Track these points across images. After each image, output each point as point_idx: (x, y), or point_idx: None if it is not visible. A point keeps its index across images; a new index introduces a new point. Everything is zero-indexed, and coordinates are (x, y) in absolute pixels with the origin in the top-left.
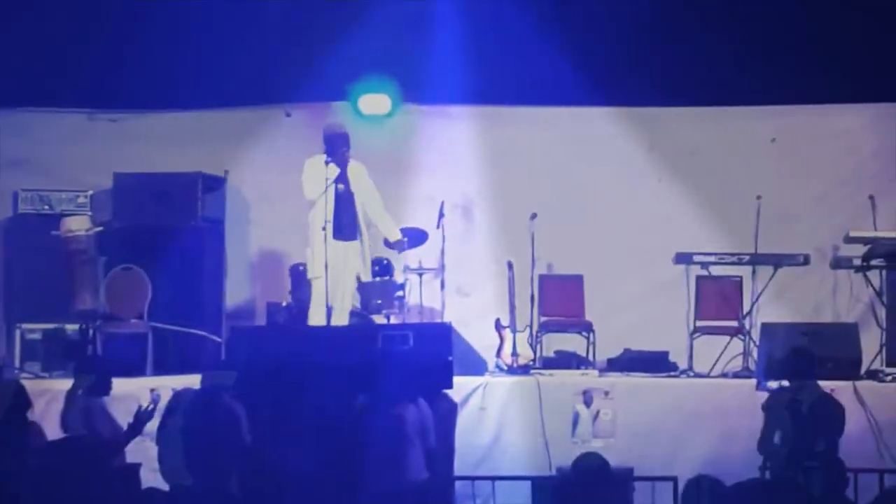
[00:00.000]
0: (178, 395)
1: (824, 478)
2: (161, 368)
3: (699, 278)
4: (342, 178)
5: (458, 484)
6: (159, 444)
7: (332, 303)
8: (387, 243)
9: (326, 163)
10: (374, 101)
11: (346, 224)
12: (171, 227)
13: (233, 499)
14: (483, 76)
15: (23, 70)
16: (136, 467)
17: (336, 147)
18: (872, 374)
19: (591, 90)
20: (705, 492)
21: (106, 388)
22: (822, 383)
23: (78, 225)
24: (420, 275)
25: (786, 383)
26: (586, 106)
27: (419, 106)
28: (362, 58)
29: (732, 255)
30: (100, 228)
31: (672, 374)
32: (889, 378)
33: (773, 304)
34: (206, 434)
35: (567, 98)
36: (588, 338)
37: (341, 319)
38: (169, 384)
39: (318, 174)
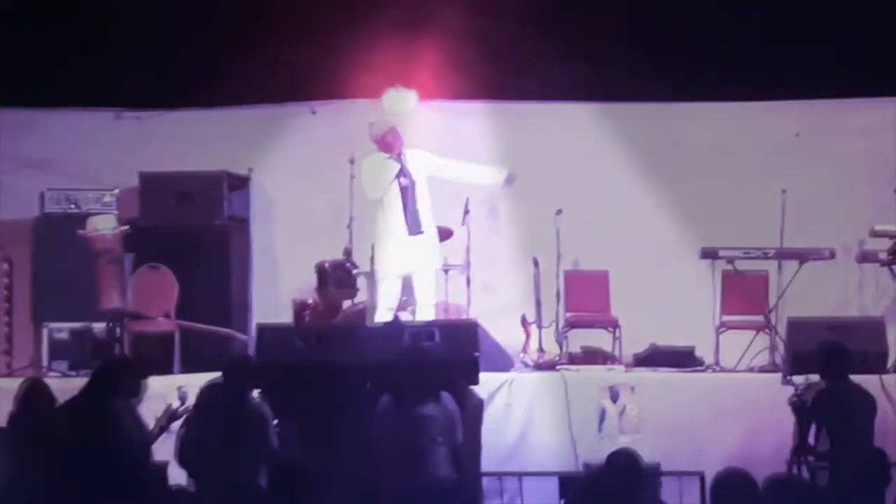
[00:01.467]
0: (206, 390)
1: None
2: (188, 367)
3: (725, 273)
4: (402, 171)
5: (484, 480)
6: (182, 440)
7: (416, 298)
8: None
9: (388, 157)
10: (399, 98)
11: (413, 218)
12: (196, 225)
13: (256, 497)
14: (508, 72)
15: (48, 70)
16: (163, 465)
17: (390, 146)
18: None
19: (615, 86)
20: (735, 485)
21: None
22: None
23: (104, 224)
24: (446, 271)
25: (813, 378)
26: (611, 102)
27: (444, 102)
28: (387, 55)
29: (758, 249)
30: (126, 227)
31: (698, 369)
32: None
33: (799, 298)
34: (231, 434)
35: (592, 94)
36: (614, 333)
37: (428, 314)
38: (196, 382)
39: (379, 172)
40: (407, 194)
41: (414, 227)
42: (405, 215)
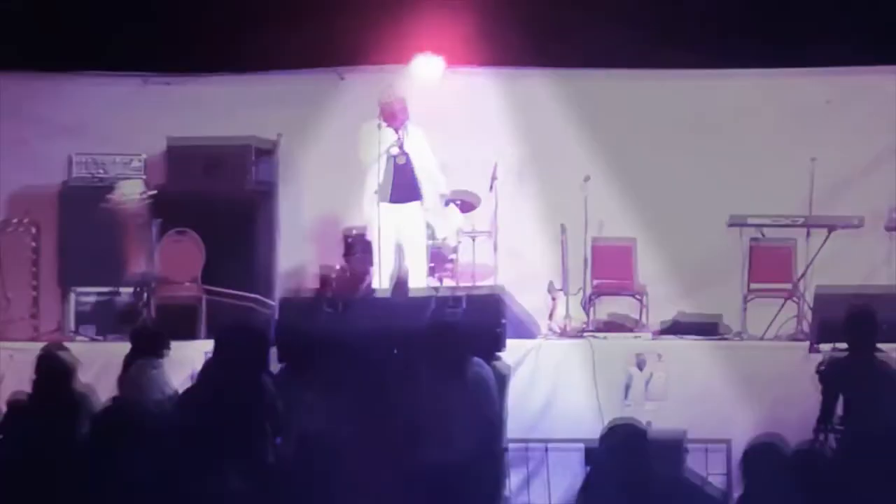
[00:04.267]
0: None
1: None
2: (214, 332)
3: (753, 241)
4: (400, 144)
5: (510, 448)
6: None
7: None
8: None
9: (379, 126)
10: (426, 65)
11: (403, 187)
12: (224, 191)
13: (273, 468)
14: (538, 38)
15: (76, 35)
16: None
17: (393, 115)
18: None
19: (644, 53)
20: (767, 451)
21: (162, 351)
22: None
23: (132, 189)
24: (473, 238)
25: (841, 346)
26: (639, 69)
27: (472, 68)
28: (415, 20)
29: (786, 217)
30: (154, 193)
31: (725, 337)
32: None
33: (827, 266)
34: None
35: (620, 61)
36: (641, 301)
37: (417, 281)
38: None
39: (372, 139)
40: (398, 167)
41: (403, 196)
42: (393, 186)
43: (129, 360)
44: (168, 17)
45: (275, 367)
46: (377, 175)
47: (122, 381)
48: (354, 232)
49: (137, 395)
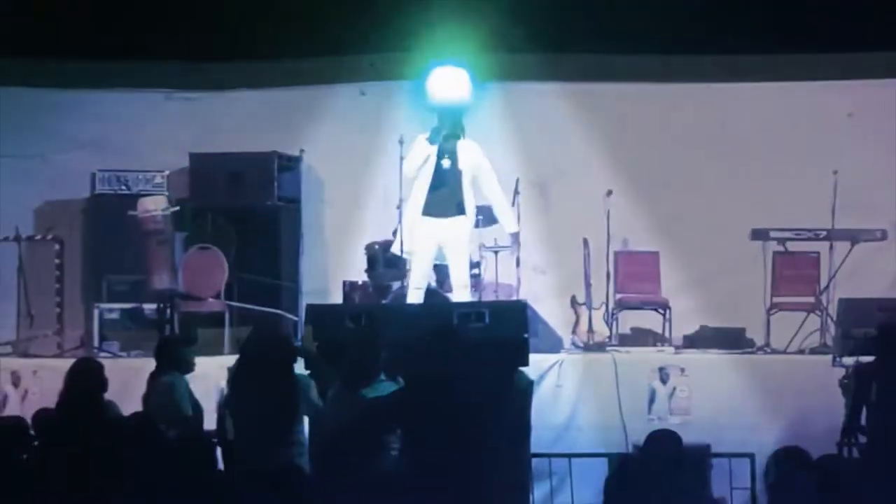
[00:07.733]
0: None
1: None
2: (239, 348)
3: (776, 254)
4: (449, 154)
5: (534, 461)
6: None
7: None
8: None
9: (430, 141)
10: (450, 79)
11: (444, 201)
12: (247, 206)
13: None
14: (556, 53)
15: (99, 50)
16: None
17: (443, 122)
18: None
19: (663, 67)
20: (790, 470)
21: (186, 368)
22: None
23: (155, 205)
24: (495, 252)
25: (864, 359)
26: (659, 82)
27: (495, 83)
28: (438, 35)
29: (809, 230)
30: (176, 208)
31: (749, 350)
32: None
33: (850, 279)
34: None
35: (640, 75)
36: (664, 314)
37: (461, 296)
38: None
39: (415, 152)
40: (441, 176)
41: (449, 209)
42: (430, 195)
43: (153, 377)
44: (190, 34)
45: None
46: (421, 186)
47: (147, 398)
48: (376, 247)
49: (161, 412)
